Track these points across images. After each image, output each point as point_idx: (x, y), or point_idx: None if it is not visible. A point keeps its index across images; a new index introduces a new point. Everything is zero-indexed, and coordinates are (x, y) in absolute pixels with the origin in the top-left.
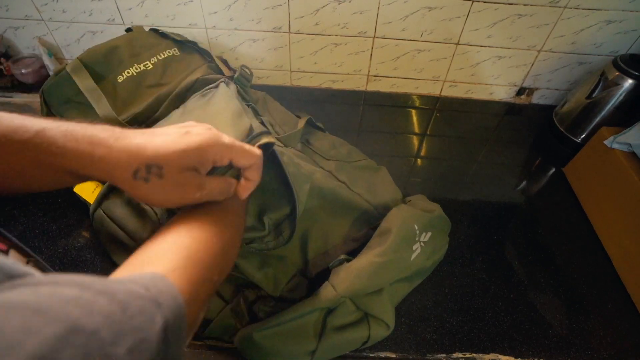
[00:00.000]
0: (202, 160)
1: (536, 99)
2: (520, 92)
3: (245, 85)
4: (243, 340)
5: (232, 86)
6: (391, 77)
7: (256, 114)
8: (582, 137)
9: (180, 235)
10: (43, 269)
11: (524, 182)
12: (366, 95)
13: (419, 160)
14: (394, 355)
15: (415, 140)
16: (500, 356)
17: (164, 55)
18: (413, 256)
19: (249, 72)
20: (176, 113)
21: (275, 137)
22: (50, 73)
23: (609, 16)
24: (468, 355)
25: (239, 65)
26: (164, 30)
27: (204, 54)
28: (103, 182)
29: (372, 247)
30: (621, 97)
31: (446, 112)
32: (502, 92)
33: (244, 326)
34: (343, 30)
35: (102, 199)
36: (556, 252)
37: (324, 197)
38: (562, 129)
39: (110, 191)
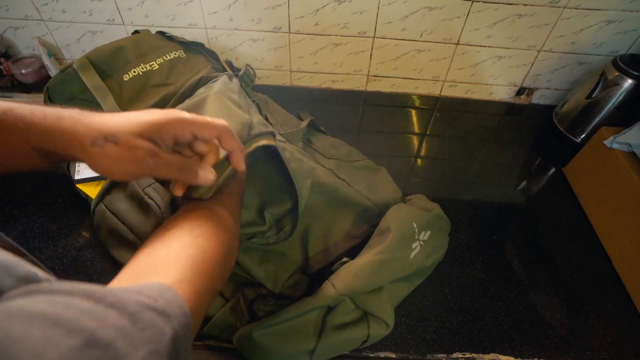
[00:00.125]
0: (159, 133)
1: (536, 99)
2: (520, 92)
3: (247, 85)
4: (242, 339)
5: (235, 80)
6: (391, 77)
7: (260, 110)
8: (582, 137)
9: (185, 244)
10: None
11: (524, 182)
12: (366, 95)
13: (419, 160)
14: (394, 355)
15: (415, 140)
16: (500, 356)
17: (170, 56)
18: (412, 254)
19: (252, 72)
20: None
21: (279, 133)
22: (50, 73)
23: (608, 16)
24: (468, 355)
25: (241, 65)
26: (166, 31)
27: (210, 55)
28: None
29: (371, 247)
30: (621, 97)
31: (446, 112)
32: (502, 92)
33: (244, 325)
34: (343, 30)
35: (104, 193)
36: (556, 252)
37: (325, 194)
38: (562, 129)
39: (113, 186)
